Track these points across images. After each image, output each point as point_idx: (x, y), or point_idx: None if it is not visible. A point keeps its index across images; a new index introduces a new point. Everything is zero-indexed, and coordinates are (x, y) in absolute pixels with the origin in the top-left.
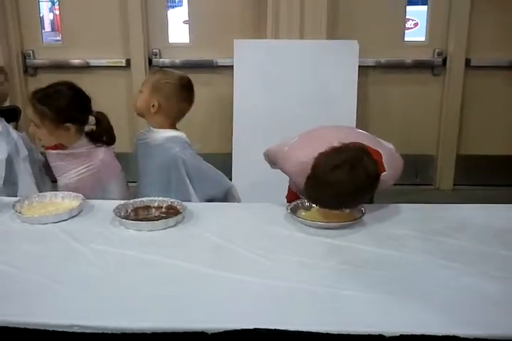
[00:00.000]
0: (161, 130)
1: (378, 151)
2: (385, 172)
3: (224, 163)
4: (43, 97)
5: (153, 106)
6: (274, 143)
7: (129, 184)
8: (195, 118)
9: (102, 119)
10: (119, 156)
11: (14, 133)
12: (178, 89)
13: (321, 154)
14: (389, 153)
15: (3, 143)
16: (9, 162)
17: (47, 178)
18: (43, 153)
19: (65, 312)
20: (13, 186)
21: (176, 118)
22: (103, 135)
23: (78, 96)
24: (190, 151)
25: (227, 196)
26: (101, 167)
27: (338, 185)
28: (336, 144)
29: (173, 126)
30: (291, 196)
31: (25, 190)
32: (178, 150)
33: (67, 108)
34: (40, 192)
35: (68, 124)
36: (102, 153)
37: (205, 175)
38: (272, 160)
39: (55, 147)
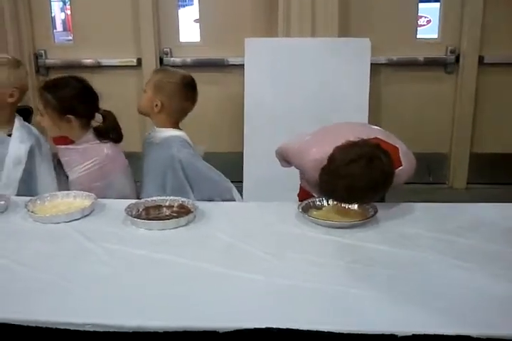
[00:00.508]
0: (163, 129)
1: (395, 146)
2: (401, 167)
3: (235, 162)
4: (50, 86)
5: (157, 105)
6: (286, 141)
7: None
8: (206, 118)
9: (108, 117)
10: (130, 155)
11: (35, 129)
12: (180, 88)
13: (337, 148)
14: (406, 148)
15: (24, 135)
16: (31, 155)
17: (62, 174)
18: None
19: (77, 311)
20: (34, 179)
21: (178, 118)
22: (109, 132)
23: (85, 91)
24: (187, 150)
25: (226, 197)
26: (107, 162)
27: (353, 179)
28: (352, 139)
29: (175, 125)
30: (303, 195)
31: (45, 184)
32: (175, 150)
33: (71, 99)
34: (58, 187)
35: (70, 116)
36: (107, 148)
37: (204, 176)
38: (285, 157)
39: (63, 142)
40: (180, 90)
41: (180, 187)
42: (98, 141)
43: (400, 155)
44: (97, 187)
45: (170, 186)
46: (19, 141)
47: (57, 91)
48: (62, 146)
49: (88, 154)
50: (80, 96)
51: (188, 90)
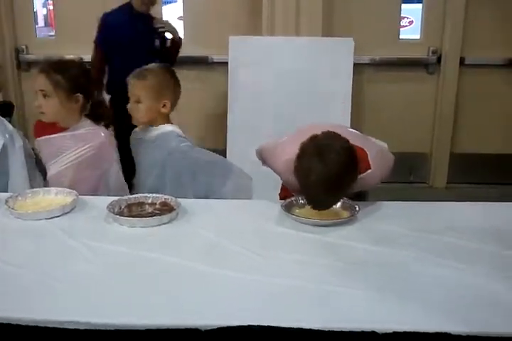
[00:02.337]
0: (160, 126)
1: (363, 149)
2: (369, 170)
3: None
4: (58, 66)
5: (165, 105)
6: (266, 141)
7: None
8: (189, 115)
9: (103, 101)
10: None
11: (9, 125)
12: (171, 77)
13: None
14: (378, 151)
15: None
16: (4, 151)
17: (38, 174)
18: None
19: (58, 309)
20: (5, 176)
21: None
22: (104, 116)
23: (87, 70)
24: (187, 143)
25: (236, 180)
26: (102, 148)
27: (309, 172)
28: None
29: (169, 119)
30: (285, 193)
31: (16, 181)
32: (174, 144)
33: (81, 77)
34: (30, 185)
35: (79, 95)
36: (103, 137)
37: (210, 164)
38: (263, 158)
39: (50, 131)
40: (172, 78)
41: (178, 179)
42: (95, 126)
43: (369, 158)
44: (89, 177)
45: (168, 182)
46: None
47: (66, 71)
48: (53, 135)
49: (83, 139)
50: (86, 74)
51: (173, 74)
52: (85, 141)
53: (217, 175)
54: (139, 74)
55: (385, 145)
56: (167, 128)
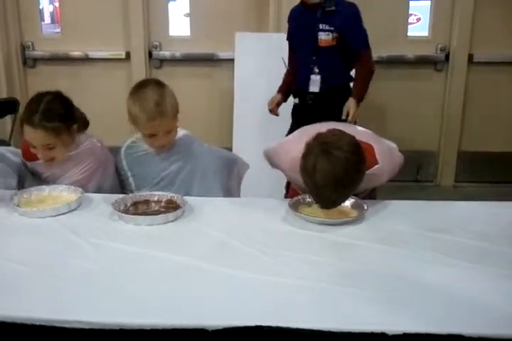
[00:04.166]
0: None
1: (369, 144)
2: (377, 166)
3: None
4: (46, 115)
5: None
6: (274, 142)
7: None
8: (196, 112)
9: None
10: (117, 148)
11: None
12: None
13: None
14: (386, 149)
15: None
16: None
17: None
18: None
19: (64, 308)
20: None
21: None
22: (79, 119)
23: (62, 97)
24: (202, 143)
25: (239, 172)
26: (102, 157)
27: (315, 171)
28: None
29: None
30: (293, 194)
31: None
32: (196, 147)
33: (68, 112)
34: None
35: (74, 126)
36: (97, 141)
37: (230, 161)
38: (269, 158)
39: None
40: (168, 89)
41: (204, 179)
42: (87, 141)
43: (376, 154)
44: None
45: (197, 180)
46: None
47: (56, 115)
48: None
49: (83, 157)
50: (66, 104)
51: (165, 85)
52: (88, 155)
53: (232, 170)
54: (155, 113)
55: (394, 145)
56: (180, 132)
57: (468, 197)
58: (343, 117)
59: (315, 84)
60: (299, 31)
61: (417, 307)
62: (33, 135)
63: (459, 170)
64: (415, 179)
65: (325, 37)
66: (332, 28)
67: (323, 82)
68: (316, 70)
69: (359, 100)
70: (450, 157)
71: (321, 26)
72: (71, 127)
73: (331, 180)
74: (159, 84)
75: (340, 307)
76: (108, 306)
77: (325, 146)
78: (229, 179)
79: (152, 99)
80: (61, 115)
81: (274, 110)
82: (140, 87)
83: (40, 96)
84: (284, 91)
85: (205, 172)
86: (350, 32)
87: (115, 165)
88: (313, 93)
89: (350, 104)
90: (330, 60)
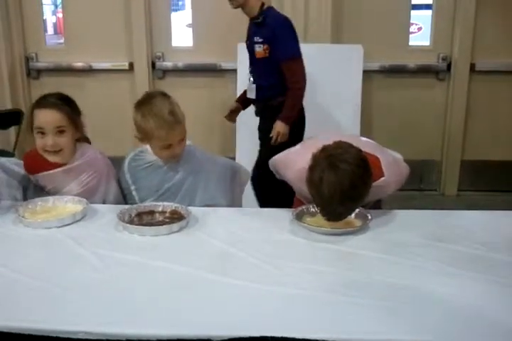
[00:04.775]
0: None
1: (376, 156)
2: (383, 178)
3: None
4: (59, 99)
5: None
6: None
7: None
8: (199, 122)
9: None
10: (121, 159)
11: None
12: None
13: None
14: (392, 160)
15: None
16: None
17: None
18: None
19: (69, 318)
20: None
21: None
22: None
23: (68, 97)
24: (203, 151)
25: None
26: (103, 168)
27: (322, 184)
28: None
29: None
30: (297, 204)
31: None
32: (199, 156)
33: (76, 108)
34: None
35: (81, 122)
36: (102, 158)
37: (226, 167)
38: (276, 169)
39: (52, 166)
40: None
41: (209, 187)
42: (89, 152)
43: (382, 165)
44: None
45: (201, 188)
46: None
47: (64, 101)
48: (61, 168)
49: (85, 168)
50: (71, 100)
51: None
52: (89, 166)
53: (234, 178)
54: (172, 122)
55: (399, 155)
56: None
57: (471, 205)
58: (271, 135)
59: (251, 92)
60: (247, 44)
61: (420, 318)
62: (47, 115)
63: (462, 178)
64: (419, 188)
65: (258, 49)
66: (261, 40)
67: (258, 90)
68: (251, 79)
69: (286, 121)
70: (453, 166)
71: (255, 39)
72: (78, 122)
73: (338, 193)
74: (165, 95)
75: (344, 317)
76: (113, 317)
77: (332, 159)
78: (231, 187)
79: (166, 110)
80: (71, 104)
81: (227, 117)
82: (146, 100)
83: (46, 95)
84: (242, 100)
85: (208, 180)
86: (275, 43)
87: (118, 179)
88: (253, 99)
89: (276, 125)
90: (263, 70)
